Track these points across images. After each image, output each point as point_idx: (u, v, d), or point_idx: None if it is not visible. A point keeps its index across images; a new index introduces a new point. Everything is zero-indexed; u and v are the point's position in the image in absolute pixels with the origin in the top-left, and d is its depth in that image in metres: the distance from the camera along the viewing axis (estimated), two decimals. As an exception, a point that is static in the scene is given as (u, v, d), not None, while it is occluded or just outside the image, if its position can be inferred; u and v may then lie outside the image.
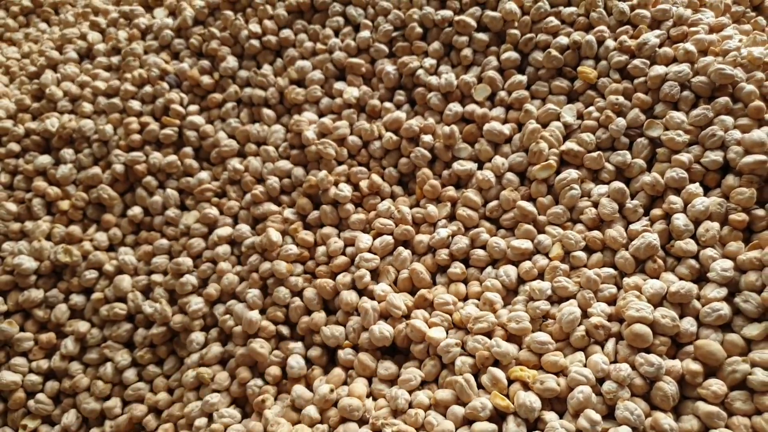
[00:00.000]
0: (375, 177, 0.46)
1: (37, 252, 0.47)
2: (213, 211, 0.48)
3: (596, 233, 0.39)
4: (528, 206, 0.41)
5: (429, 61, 0.48)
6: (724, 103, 0.40)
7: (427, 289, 0.40)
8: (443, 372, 0.37)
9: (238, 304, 0.44)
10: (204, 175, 0.50)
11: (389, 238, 0.43)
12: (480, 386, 0.35)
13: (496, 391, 0.33)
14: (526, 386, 0.34)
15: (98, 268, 0.48)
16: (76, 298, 0.47)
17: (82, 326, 0.46)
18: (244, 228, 0.47)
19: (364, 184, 0.46)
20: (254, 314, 0.42)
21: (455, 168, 0.45)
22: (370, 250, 0.43)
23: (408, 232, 0.43)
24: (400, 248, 0.42)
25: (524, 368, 0.34)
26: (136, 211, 0.49)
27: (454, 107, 0.46)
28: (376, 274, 0.43)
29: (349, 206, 0.45)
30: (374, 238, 0.44)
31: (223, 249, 0.46)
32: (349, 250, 0.44)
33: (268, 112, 0.51)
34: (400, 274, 0.42)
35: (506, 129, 0.45)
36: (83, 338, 0.46)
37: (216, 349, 0.43)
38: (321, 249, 0.44)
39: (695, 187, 0.39)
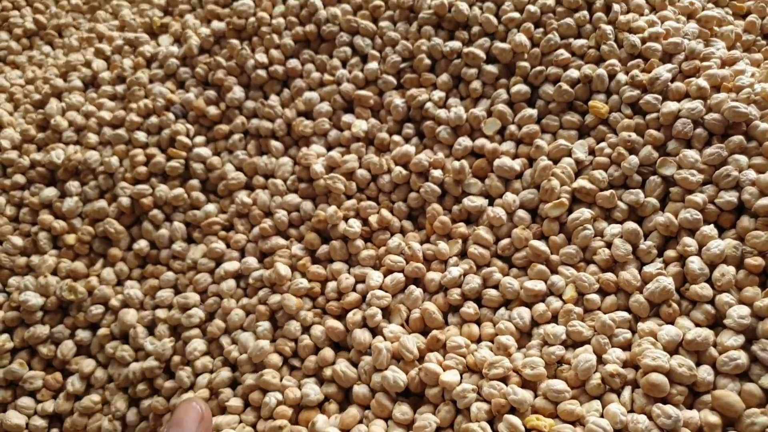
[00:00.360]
0: (384, 212, 0.46)
1: (43, 288, 0.47)
2: (220, 246, 0.47)
3: (610, 275, 0.39)
4: (540, 246, 0.41)
5: (438, 94, 0.48)
6: (738, 142, 0.40)
7: (439, 329, 0.40)
8: (458, 417, 0.36)
9: (243, 333, 0.44)
10: (211, 207, 0.49)
11: (400, 276, 0.43)
12: None
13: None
14: (543, 437, 0.33)
15: (104, 303, 0.47)
16: (82, 334, 0.47)
17: (87, 366, 0.45)
18: (251, 261, 0.46)
19: (373, 219, 0.46)
20: (264, 342, 0.42)
21: (465, 204, 0.44)
22: (381, 288, 0.43)
23: (419, 270, 0.43)
24: (412, 287, 0.42)
25: (540, 417, 0.34)
26: (142, 244, 0.49)
27: (464, 141, 0.46)
28: (387, 312, 0.42)
29: (359, 242, 0.45)
30: (384, 275, 0.43)
31: (228, 284, 0.46)
32: (360, 286, 0.44)
33: (276, 144, 0.50)
34: (412, 314, 0.41)
35: (517, 164, 0.44)
36: (88, 377, 0.45)
37: (225, 374, 0.43)
38: (331, 284, 0.44)
39: (710, 229, 0.38)
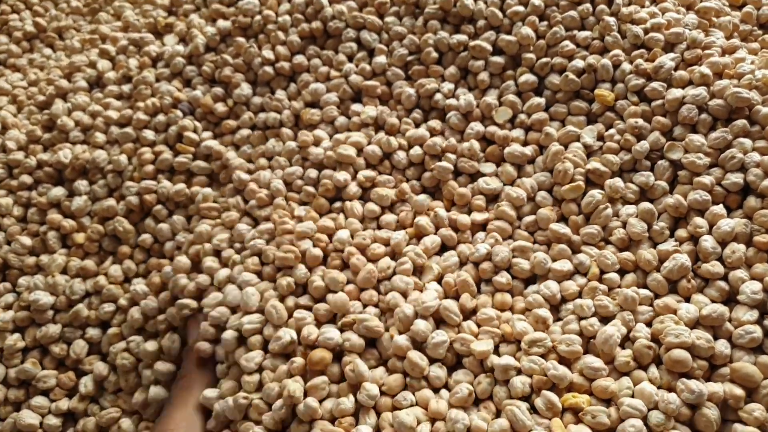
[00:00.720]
0: (404, 185, 0.46)
1: (52, 287, 0.46)
2: (204, 227, 0.46)
3: (628, 254, 0.40)
4: (561, 228, 0.41)
5: (447, 86, 0.49)
6: (741, 126, 0.41)
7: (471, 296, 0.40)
8: (495, 388, 0.36)
9: (229, 285, 0.42)
10: (208, 190, 0.49)
11: (437, 239, 0.43)
12: (534, 410, 0.35)
13: (554, 425, 0.33)
14: (578, 417, 0.34)
15: (114, 301, 0.47)
16: (92, 332, 0.46)
17: (100, 368, 0.45)
18: (242, 227, 0.46)
19: (391, 192, 0.46)
20: (252, 290, 0.40)
21: (481, 186, 0.45)
22: (416, 245, 0.42)
23: (452, 238, 0.43)
24: (452, 251, 0.42)
25: (576, 395, 0.35)
26: (145, 236, 0.49)
27: (476, 126, 0.47)
28: (418, 272, 0.42)
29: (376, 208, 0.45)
30: (411, 237, 0.43)
31: (211, 261, 0.45)
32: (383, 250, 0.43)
33: (286, 131, 0.50)
34: (446, 278, 0.41)
35: (528, 150, 0.45)
36: (101, 381, 0.45)
37: (230, 333, 0.40)
38: (341, 233, 0.43)
39: (719, 209, 0.39)
